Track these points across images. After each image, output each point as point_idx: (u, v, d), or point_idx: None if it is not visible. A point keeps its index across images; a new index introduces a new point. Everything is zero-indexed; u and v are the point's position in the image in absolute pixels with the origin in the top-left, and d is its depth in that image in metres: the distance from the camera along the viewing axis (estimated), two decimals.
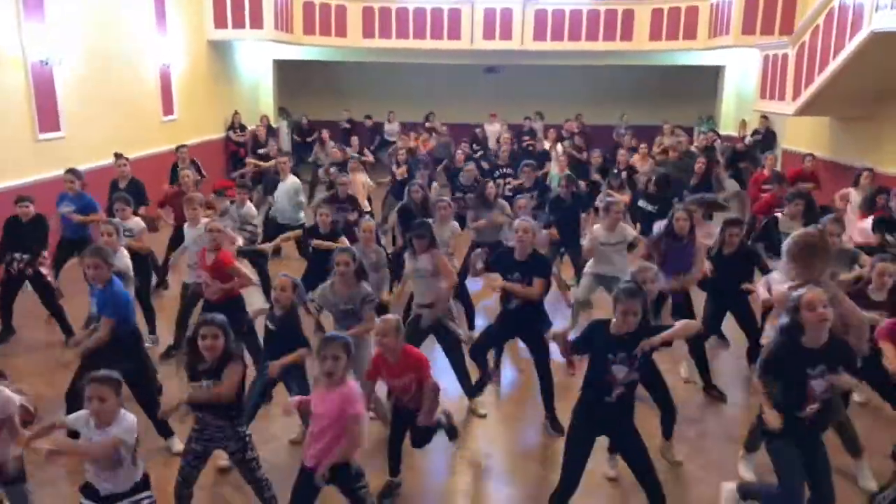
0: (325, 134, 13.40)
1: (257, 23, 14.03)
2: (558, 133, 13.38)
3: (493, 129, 15.15)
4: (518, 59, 16.71)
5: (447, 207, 6.64)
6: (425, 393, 4.18)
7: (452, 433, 4.75)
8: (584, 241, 6.21)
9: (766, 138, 14.21)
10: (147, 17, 11.64)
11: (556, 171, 11.08)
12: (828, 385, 3.42)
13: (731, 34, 13.72)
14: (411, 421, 4.32)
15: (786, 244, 4.28)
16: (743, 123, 15.45)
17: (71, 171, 7.15)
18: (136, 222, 6.55)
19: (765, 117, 13.98)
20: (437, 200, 6.87)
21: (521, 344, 5.67)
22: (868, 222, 6.73)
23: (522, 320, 5.20)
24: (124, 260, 5.42)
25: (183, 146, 9.90)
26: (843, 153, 11.66)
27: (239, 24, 14.04)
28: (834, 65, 9.84)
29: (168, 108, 12.30)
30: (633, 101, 17.93)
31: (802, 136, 13.00)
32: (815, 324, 3.33)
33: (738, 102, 16.12)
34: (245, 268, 5.87)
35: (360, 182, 9.35)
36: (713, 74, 17.25)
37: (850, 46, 9.38)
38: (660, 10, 15.37)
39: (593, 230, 6.29)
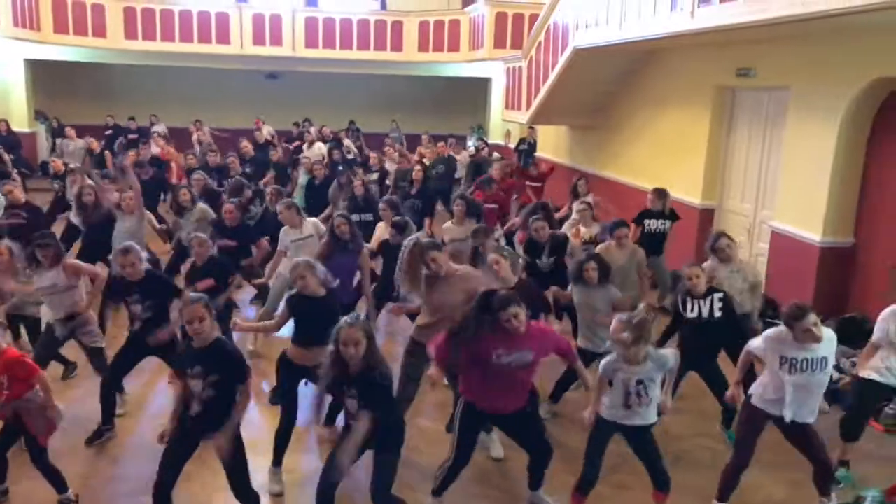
0: (71, 131, 12.69)
1: None
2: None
3: (261, 136, 14.96)
4: (292, 66, 16.68)
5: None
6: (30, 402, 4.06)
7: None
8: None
9: (531, 147, 15.14)
10: None
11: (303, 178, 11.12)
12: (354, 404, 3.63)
13: (485, 48, 14.50)
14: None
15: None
16: (508, 133, 16.36)
17: None
18: None
19: (532, 127, 14.85)
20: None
21: None
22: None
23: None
24: None
25: None
26: (576, 159, 12.68)
27: None
28: (552, 77, 10.70)
29: None
30: (409, 111, 18.46)
31: (549, 145, 14.01)
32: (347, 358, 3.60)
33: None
34: None
35: None
36: (483, 86, 18.14)
37: (561, 61, 10.26)
38: (426, 22, 15.96)
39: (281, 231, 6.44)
